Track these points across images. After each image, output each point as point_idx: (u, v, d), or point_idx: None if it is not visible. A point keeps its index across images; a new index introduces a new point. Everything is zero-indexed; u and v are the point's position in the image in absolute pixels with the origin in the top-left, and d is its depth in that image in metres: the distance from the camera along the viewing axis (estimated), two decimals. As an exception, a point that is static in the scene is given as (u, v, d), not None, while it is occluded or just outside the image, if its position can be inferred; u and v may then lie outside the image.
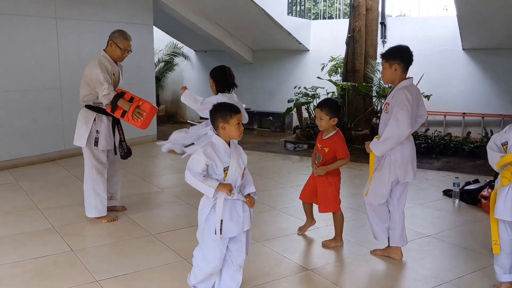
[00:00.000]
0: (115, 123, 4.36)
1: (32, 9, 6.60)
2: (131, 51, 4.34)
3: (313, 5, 12.28)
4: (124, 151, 4.44)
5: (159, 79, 11.66)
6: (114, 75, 4.25)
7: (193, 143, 3.87)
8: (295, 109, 8.80)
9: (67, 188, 5.40)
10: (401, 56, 3.48)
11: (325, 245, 3.85)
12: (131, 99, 4.12)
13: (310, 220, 4.11)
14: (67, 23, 7.02)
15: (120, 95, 4.13)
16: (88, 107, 4.26)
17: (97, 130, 4.23)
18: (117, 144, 4.43)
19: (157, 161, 7.24)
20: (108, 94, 4.04)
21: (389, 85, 8.41)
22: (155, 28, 11.38)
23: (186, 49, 12.06)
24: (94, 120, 4.22)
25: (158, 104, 11.68)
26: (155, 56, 11.87)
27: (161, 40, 11.91)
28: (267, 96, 11.08)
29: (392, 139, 3.32)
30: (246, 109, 10.53)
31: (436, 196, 5.34)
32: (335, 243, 3.85)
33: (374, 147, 3.41)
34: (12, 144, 6.45)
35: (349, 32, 8.51)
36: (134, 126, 4.21)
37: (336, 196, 3.82)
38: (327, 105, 3.66)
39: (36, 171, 6.27)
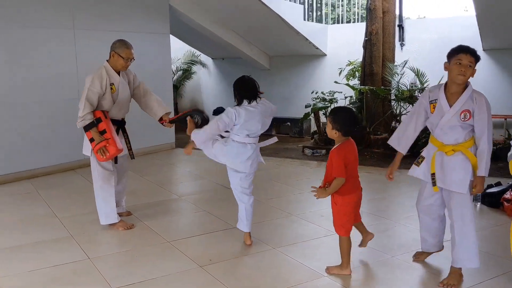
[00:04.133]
0: (120, 131, 4.40)
1: (51, 21, 6.71)
2: (134, 59, 4.36)
3: (331, 10, 12.23)
4: (200, 118, 4.39)
5: (177, 87, 11.76)
6: (113, 85, 4.27)
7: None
8: (312, 114, 8.74)
9: (85, 197, 5.44)
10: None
11: (329, 271, 3.45)
12: (103, 132, 4.12)
13: (365, 234, 3.70)
14: (85, 34, 7.11)
15: (95, 123, 4.12)
16: None
17: None
18: (125, 152, 4.46)
19: (175, 169, 7.26)
20: (84, 118, 4.08)
21: (411, 87, 8.41)
22: (172, 37, 11.49)
23: (204, 57, 12.12)
24: None
25: (176, 112, 11.76)
26: (173, 64, 11.97)
27: (179, 49, 12.01)
28: (284, 102, 11.03)
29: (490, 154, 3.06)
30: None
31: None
32: (339, 271, 3.42)
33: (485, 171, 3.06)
34: (32, 154, 6.54)
35: (366, 36, 8.43)
36: (97, 159, 4.23)
37: (341, 218, 3.34)
38: (334, 114, 3.31)
39: (56, 181, 6.34)
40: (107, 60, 4.37)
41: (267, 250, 3.87)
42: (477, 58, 3.07)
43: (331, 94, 8.86)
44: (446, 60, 3.18)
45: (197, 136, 3.86)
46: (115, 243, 4.13)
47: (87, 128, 4.12)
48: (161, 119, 4.59)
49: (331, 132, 3.31)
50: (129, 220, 4.60)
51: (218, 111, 10.89)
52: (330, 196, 3.34)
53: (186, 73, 11.99)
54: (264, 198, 5.33)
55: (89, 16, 7.17)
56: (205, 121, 4.17)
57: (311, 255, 3.77)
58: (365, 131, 8.28)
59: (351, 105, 8.70)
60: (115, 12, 7.56)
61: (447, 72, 3.17)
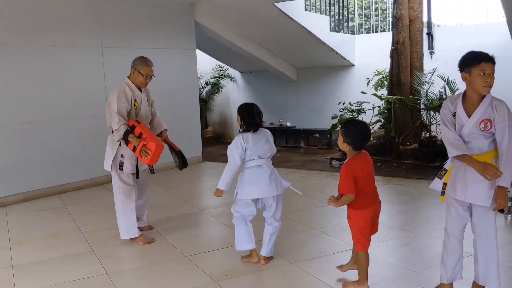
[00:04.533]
0: None
1: (80, 40, 6.92)
2: (154, 76, 4.43)
3: (364, 20, 12.12)
4: (182, 160, 4.48)
5: (206, 101, 11.87)
6: (136, 101, 4.35)
7: None
8: (339, 126, 8.63)
9: (110, 211, 5.49)
10: None
11: (345, 287, 3.36)
12: (140, 135, 4.18)
13: (353, 261, 3.55)
14: (113, 52, 7.29)
15: (130, 130, 4.19)
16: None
17: (122, 155, 4.33)
18: (143, 168, 4.51)
19: (200, 182, 7.30)
20: (119, 129, 4.14)
21: (440, 95, 8.19)
22: (201, 52, 11.66)
23: (232, 71, 12.22)
24: (120, 144, 4.31)
25: (206, 125, 11.88)
26: (202, 79, 12.13)
27: (208, 63, 12.16)
28: (313, 113, 10.98)
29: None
30: (291, 127, 10.48)
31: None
32: (356, 286, 3.32)
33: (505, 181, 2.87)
34: (62, 169, 6.72)
35: (392, 45, 8.30)
36: (143, 163, 4.28)
37: (356, 232, 3.25)
38: (346, 126, 3.24)
39: (84, 195, 6.48)
40: (128, 77, 4.45)
41: (284, 265, 3.82)
42: (495, 64, 2.94)
43: (358, 105, 8.75)
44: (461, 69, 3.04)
45: (222, 181, 3.80)
46: (134, 258, 4.17)
47: (125, 137, 4.14)
48: (159, 135, 4.63)
49: (342, 145, 3.25)
50: (150, 234, 4.65)
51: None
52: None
53: (215, 87, 12.10)
54: (285, 212, 5.23)
55: (116, 34, 7.35)
56: (183, 165, 4.45)
57: (329, 270, 3.69)
58: (394, 141, 8.11)
59: (379, 115, 8.55)
60: (142, 30, 7.72)
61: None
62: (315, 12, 10.13)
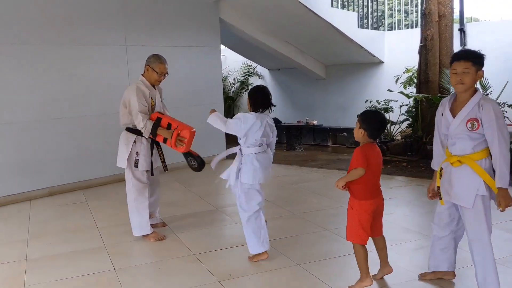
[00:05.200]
0: (154, 144, 4.48)
1: (105, 39, 7.05)
2: (168, 74, 4.44)
3: (388, 16, 11.85)
4: (197, 162, 4.49)
5: (233, 99, 11.89)
6: (152, 99, 4.38)
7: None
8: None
9: (128, 208, 5.61)
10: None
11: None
12: (169, 125, 4.19)
13: (383, 264, 3.45)
14: (137, 50, 7.39)
15: (157, 123, 4.21)
16: (128, 129, 4.42)
17: (137, 152, 4.37)
18: (159, 164, 4.53)
19: (220, 180, 7.29)
20: (145, 126, 4.17)
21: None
22: (230, 50, 11.70)
23: (260, 69, 12.20)
24: (134, 142, 4.36)
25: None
26: (231, 77, 12.16)
27: (236, 61, 12.18)
28: (341, 111, 10.83)
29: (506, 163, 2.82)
30: (318, 125, 10.36)
31: (509, 216, 4.79)
32: (359, 285, 3.28)
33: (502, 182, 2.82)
34: (87, 165, 6.87)
35: (421, 41, 8.07)
36: (179, 151, 4.30)
37: (355, 224, 3.22)
38: (363, 114, 3.26)
39: (106, 191, 6.60)
40: (142, 74, 4.49)
41: (290, 266, 3.77)
42: (474, 61, 2.89)
43: (386, 103, 8.56)
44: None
45: (213, 120, 3.92)
46: (143, 255, 4.21)
47: (153, 131, 4.19)
48: None
49: (358, 132, 3.24)
50: (162, 231, 4.68)
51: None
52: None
53: (243, 85, 12.11)
54: (299, 212, 5.22)
55: (140, 32, 7.45)
56: (201, 164, 4.47)
57: (335, 273, 3.61)
58: (420, 141, 7.89)
59: (406, 114, 8.33)
60: (165, 28, 7.80)
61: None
62: (342, 8, 9.96)
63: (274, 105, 3.92)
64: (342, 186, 3.19)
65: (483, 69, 2.95)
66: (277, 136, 4.09)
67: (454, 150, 2.99)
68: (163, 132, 4.18)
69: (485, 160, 2.91)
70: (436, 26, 7.84)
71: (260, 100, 3.82)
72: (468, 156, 2.92)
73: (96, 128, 6.97)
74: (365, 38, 9.60)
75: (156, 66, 4.38)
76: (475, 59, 2.90)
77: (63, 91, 6.62)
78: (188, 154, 4.45)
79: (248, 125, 3.72)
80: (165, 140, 4.23)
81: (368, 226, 3.23)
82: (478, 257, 2.97)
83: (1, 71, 6.05)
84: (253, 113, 3.81)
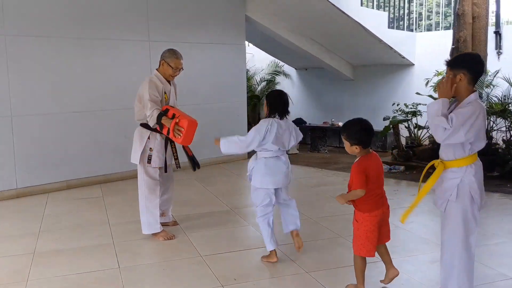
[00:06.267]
0: (168, 141, 4.38)
1: (128, 34, 7.03)
2: (183, 69, 4.35)
3: (431, 18, 11.49)
4: (191, 162, 4.40)
5: (259, 98, 11.76)
6: (165, 93, 4.29)
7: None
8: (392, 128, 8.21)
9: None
10: (468, 65, 2.86)
11: None
12: (173, 116, 4.09)
13: (388, 267, 3.34)
14: (160, 45, 7.29)
15: (163, 113, 4.11)
16: (143, 125, 4.34)
17: (150, 148, 4.29)
18: (172, 162, 4.44)
19: (240, 180, 7.18)
20: (152, 115, 4.07)
21: (504, 99, 7.53)
22: (257, 48, 11.56)
23: (287, 68, 12.02)
24: (148, 138, 4.28)
25: (259, 121, 11.75)
26: (257, 75, 12.03)
27: (263, 60, 12.05)
28: (369, 114, 10.47)
29: None
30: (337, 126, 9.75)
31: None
32: None
33: None
34: (105, 160, 6.87)
35: (453, 44, 7.73)
36: (177, 143, 4.18)
37: (361, 236, 3.09)
38: (347, 129, 3.09)
39: (123, 187, 6.58)
40: (156, 69, 4.41)
41: (298, 273, 3.61)
42: (452, 66, 2.82)
43: (414, 107, 8.27)
44: None
45: (225, 146, 3.78)
46: (150, 254, 4.13)
47: (158, 120, 4.06)
48: None
49: (352, 149, 3.09)
50: (174, 231, 4.60)
51: (298, 122, 10.70)
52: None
53: (270, 84, 11.96)
54: (315, 216, 5.05)
55: (164, 28, 7.40)
56: (194, 164, 4.35)
57: (343, 282, 3.43)
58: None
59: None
60: (190, 24, 7.73)
61: None
62: (372, 7, 9.69)
63: (289, 112, 3.84)
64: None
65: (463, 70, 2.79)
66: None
67: (441, 155, 2.92)
68: (166, 121, 4.06)
69: (466, 167, 2.79)
70: (469, 28, 7.49)
71: (278, 106, 3.76)
72: (447, 163, 2.84)
73: (116, 122, 6.95)
74: (395, 39, 9.30)
75: (171, 61, 4.30)
76: (452, 65, 2.85)
77: (84, 85, 6.63)
78: (185, 152, 4.34)
79: (262, 134, 3.66)
80: (168, 132, 4.09)
81: (375, 237, 3.09)
82: (444, 262, 2.92)
83: (25, 64, 6.10)
84: (266, 119, 3.74)
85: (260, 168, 3.75)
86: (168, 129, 4.04)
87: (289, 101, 3.86)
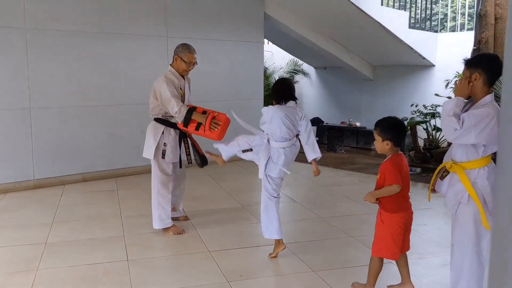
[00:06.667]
0: (182, 137, 4.39)
1: (147, 30, 7.09)
2: (197, 64, 4.35)
3: (457, 20, 11.30)
4: (202, 159, 4.42)
5: (277, 96, 11.74)
6: (181, 89, 4.30)
7: (251, 149, 3.94)
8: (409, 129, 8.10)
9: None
10: (483, 65, 2.79)
11: (354, 286, 3.29)
12: (204, 112, 4.10)
13: (404, 281, 3.23)
14: (177, 41, 7.28)
15: (192, 109, 4.12)
16: (157, 120, 4.36)
17: (164, 143, 4.31)
18: (184, 158, 4.46)
19: (252, 177, 7.16)
20: (180, 111, 4.06)
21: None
22: (276, 47, 11.53)
23: (306, 67, 11.96)
24: (163, 133, 4.30)
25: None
26: (276, 73, 12.00)
27: (282, 58, 12.02)
28: (387, 115, 10.29)
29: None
30: (361, 127, 10.07)
31: None
32: None
33: None
34: (122, 154, 6.93)
35: (474, 45, 7.58)
36: (210, 138, 4.17)
37: (386, 238, 3.01)
38: (380, 124, 3.06)
39: (138, 181, 6.62)
40: (170, 64, 4.42)
41: (305, 272, 3.59)
42: (468, 65, 2.79)
43: (433, 108, 8.15)
44: None
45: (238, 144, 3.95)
46: (158, 248, 4.15)
47: (187, 116, 4.05)
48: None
49: (382, 145, 3.05)
50: (183, 226, 4.62)
51: (315, 121, 10.64)
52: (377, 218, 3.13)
53: (288, 82, 11.92)
54: (327, 215, 5.01)
55: (182, 25, 7.43)
56: (203, 162, 4.44)
57: (350, 283, 3.39)
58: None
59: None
60: (208, 20, 7.74)
61: None
62: (393, 7, 9.57)
63: (296, 98, 3.84)
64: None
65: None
66: (317, 136, 3.98)
67: (453, 156, 2.86)
68: (197, 116, 4.04)
69: (479, 170, 2.73)
70: (491, 29, 7.34)
71: (280, 91, 3.78)
72: (460, 164, 2.77)
73: (132, 117, 7.01)
74: (416, 39, 9.17)
75: (184, 55, 4.31)
76: (468, 65, 2.82)
77: (101, 79, 6.71)
78: (194, 149, 4.37)
79: (268, 118, 3.72)
80: (197, 127, 4.06)
81: (401, 240, 3.03)
82: (454, 264, 2.87)
83: (44, 57, 6.19)
84: (270, 106, 3.78)
85: (273, 158, 3.92)
86: (198, 124, 4.03)
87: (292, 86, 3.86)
